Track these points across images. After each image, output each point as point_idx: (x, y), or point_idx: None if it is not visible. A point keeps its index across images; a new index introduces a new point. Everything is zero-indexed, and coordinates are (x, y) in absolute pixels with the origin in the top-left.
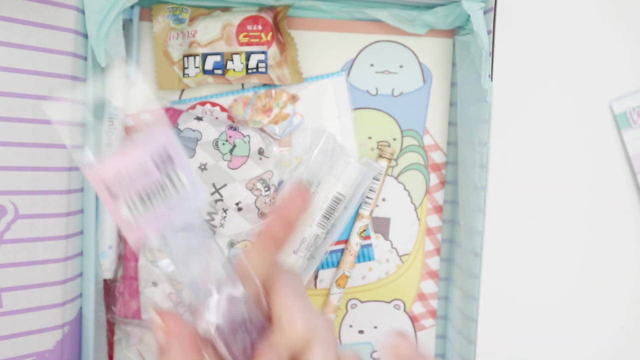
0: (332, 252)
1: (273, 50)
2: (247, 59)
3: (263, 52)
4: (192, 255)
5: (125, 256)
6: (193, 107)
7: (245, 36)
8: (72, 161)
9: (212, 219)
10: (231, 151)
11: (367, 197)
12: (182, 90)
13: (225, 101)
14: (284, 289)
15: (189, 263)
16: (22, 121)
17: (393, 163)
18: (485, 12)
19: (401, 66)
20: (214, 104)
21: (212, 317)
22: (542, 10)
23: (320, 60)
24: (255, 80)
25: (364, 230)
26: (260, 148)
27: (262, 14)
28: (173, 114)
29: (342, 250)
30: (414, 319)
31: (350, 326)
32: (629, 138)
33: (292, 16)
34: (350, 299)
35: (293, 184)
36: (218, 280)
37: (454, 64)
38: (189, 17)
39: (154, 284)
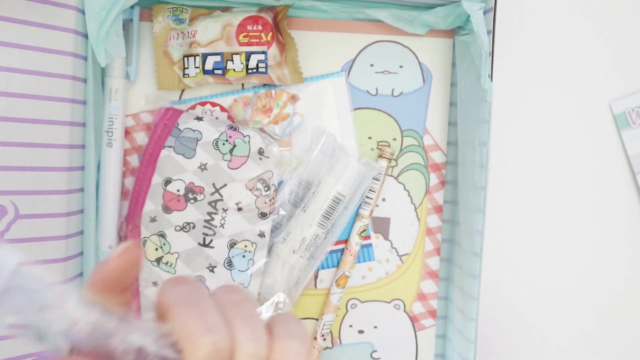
0: (332, 252)
1: (273, 50)
2: (247, 59)
3: (263, 52)
4: (47, 312)
5: None
6: (193, 107)
7: (245, 36)
8: (72, 161)
9: (212, 219)
10: (231, 151)
11: (367, 197)
12: (182, 90)
13: (225, 101)
14: (170, 305)
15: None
16: (22, 121)
17: (393, 163)
18: (485, 12)
19: (401, 66)
20: (214, 104)
21: None
22: (542, 10)
23: (320, 60)
24: (255, 80)
25: (364, 230)
26: (260, 148)
27: (262, 14)
28: (173, 114)
29: (342, 250)
30: (414, 319)
31: (350, 326)
32: (628, 138)
33: (292, 16)
34: (350, 299)
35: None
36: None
37: (454, 64)
38: (189, 17)
39: (154, 283)
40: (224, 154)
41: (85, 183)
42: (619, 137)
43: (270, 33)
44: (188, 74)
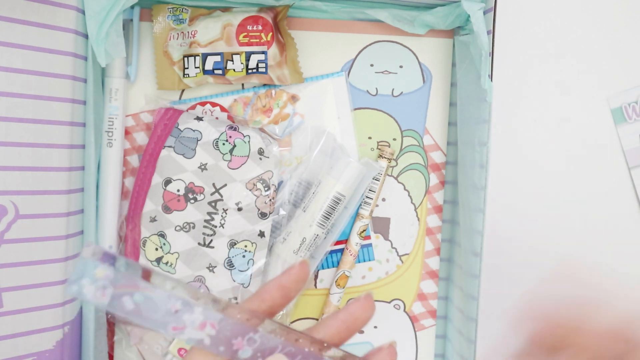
0: (332, 252)
1: (273, 51)
2: (247, 59)
3: (263, 52)
4: None
5: (125, 256)
6: (193, 107)
7: (245, 36)
8: (72, 161)
9: (212, 219)
10: (231, 151)
11: (367, 197)
12: (182, 91)
13: (225, 101)
14: None
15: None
16: (22, 121)
17: (393, 163)
18: (485, 12)
19: (401, 66)
20: (214, 104)
21: None
22: (542, 10)
23: (320, 60)
24: (255, 80)
25: (364, 230)
26: (260, 148)
27: (262, 14)
28: (173, 114)
29: (342, 250)
30: (414, 319)
31: None
32: (623, 133)
33: (292, 16)
34: (350, 299)
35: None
36: None
37: (453, 64)
38: (189, 17)
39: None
40: (224, 154)
41: (85, 183)
42: (616, 131)
43: (270, 33)
44: (188, 74)
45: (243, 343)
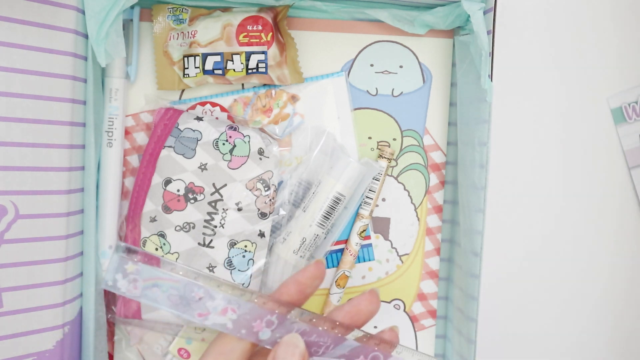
0: (332, 252)
1: (273, 51)
2: (247, 59)
3: (263, 52)
4: None
5: None
6: (193, 107)
7: (245, 36)
8: (72, 161)
9: (212, 219)
10: (231, 151)
11: (367, 197)
12: (182, 91)
13: (225, 101)
14: None
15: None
16: (22, 121)
17: (393, 163)
18: (485, 12)
19: (401, 66)
20: (214, 104)
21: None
22: (542, 10)
23: (320, 60)
24: (255, 80)
25: (364, 230)
26: (260, 148)
27: (262, 14)
28: (173, 114)
29: (342, 250)
30: (413, 319)
31: None
32: (623, 133)
33: (292, 16)
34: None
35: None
36: None
37: (453, 64)
38: (189, 17)
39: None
40: (224, 154)
41: (85, 183)
42: (616, 132)
43: (270, 33)
44: (188, 74)
45: (262, 325)
